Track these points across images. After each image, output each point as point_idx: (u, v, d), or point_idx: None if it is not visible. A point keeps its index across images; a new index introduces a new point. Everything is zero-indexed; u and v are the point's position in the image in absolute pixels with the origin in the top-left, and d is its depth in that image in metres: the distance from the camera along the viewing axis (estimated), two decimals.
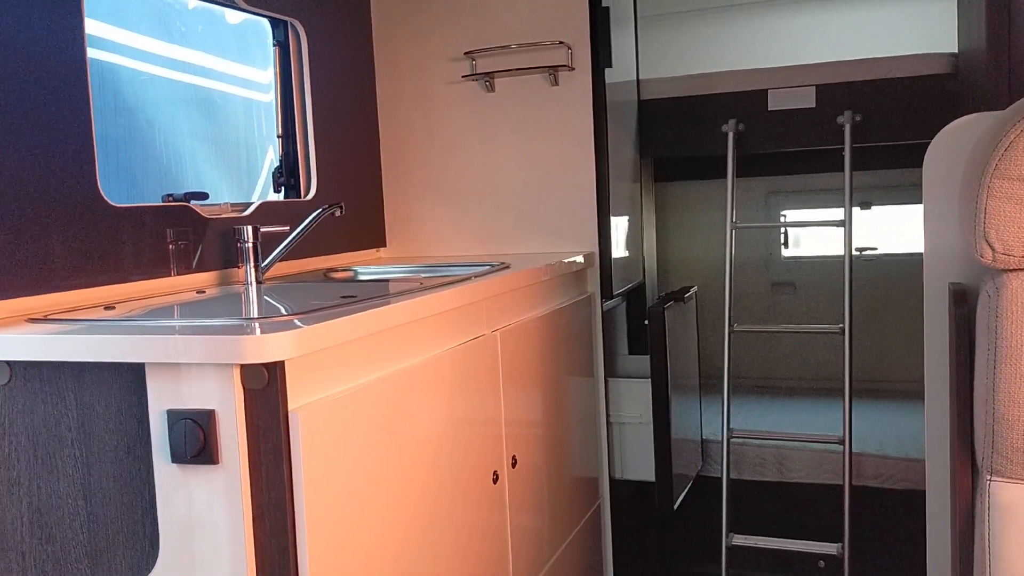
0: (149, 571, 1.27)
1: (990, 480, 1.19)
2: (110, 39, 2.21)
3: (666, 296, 2.65)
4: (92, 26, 2.02)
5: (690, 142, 2.91)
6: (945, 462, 1.54)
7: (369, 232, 2.64)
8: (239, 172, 2.58)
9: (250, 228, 1.98)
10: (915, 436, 2.74)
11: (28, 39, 1.55)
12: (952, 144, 1.49)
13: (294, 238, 2.10)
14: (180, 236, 1.89)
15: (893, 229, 3.33)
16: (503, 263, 2.16)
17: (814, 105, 2.75)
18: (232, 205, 2.13)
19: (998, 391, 1.16)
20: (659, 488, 2.51)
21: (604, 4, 2.48)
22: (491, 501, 1.81)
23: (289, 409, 1.21)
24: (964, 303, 1.30)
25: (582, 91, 2.48)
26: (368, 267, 2.42)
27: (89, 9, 1.70)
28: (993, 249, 1.16)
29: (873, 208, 3.34)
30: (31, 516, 1.34)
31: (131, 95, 2.29)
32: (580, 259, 2.40)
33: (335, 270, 2.36)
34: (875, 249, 3.33)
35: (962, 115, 1.51)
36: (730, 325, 2.71)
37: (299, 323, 1.26)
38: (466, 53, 2.56)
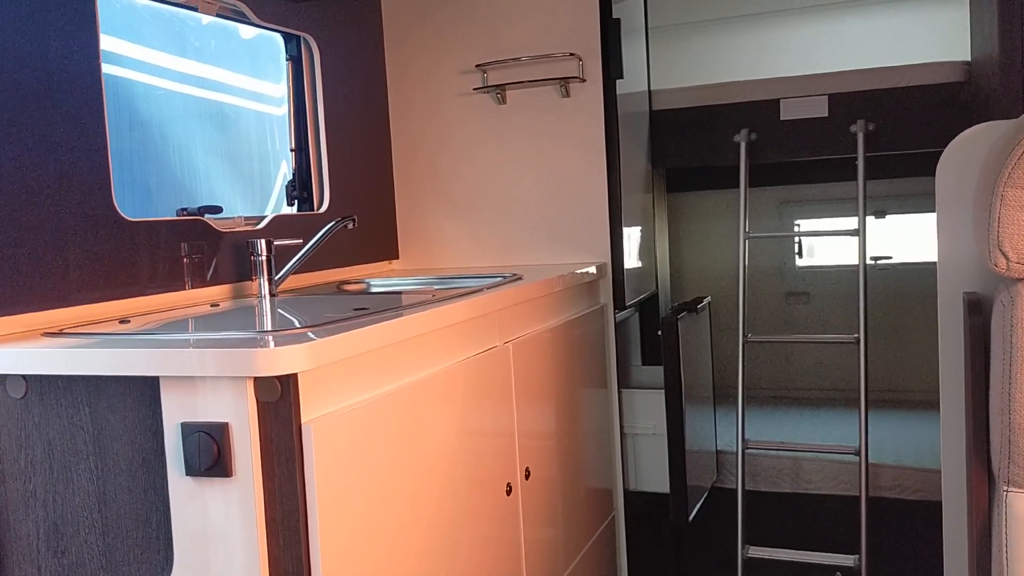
0: None
1: (1007, 491, 1.18)
2: (125, 55, 2.23)
3: (679, 306, 2.64)
4: (107, 42, 2.04)
5: (702, 152, 2.90)
6: (961, 473, 1.52)
7: (381, 244, 2.65)
8: (252, 186, 2.60)
9: (264, 241, 1.99)
10: (932, 446, 2.72)
11: (44, 55, 1.56)
12: (964, 153, 1.49)
13: (307, 251, 2.11)
14: (194, 250, 1.90)
15: (908, 238, 3.32)
16: (515, 274, 2.16)
17: (827, 114, 2.74)
18: (246, 219, 2.14)
19: (1014, 401, 1.15)
20: (674, 500, 2.49)
21: (615, 15, 2.49)
22: (504, 513, 1.81)
23: (302, 422, 1.22)
24: (979, 312, 1.29)
25: (593, 102, 2.49)
26: (380, 279, 2.42)
27: (104, 25, 1.71)
28: (1007, 258, 1.15)
29: (888, 217, 3.33)
30: (47, 529, 1.35)
31: (146, 110, 2.30)
32: (592, 270, 2.40)
33: (348, 282, 2.37)
34: (890, 258, 3.32)
35: (975, 123, 1.51)
36: (744, 335, 2.70)
37: (312, 336, 1.26)
38: (477, 66, 2.57)
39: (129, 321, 1.60)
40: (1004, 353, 1.17)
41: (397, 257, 2.73)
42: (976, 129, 1.48)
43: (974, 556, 1.26)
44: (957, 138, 1.49)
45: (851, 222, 2.71)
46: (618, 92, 2.51)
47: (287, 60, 2.38)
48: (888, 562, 2.61)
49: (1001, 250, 1.15)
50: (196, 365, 1.20)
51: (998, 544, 1.20)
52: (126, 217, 1.73)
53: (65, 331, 1.48)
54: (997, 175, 1.15)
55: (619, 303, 2.53)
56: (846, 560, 2.50)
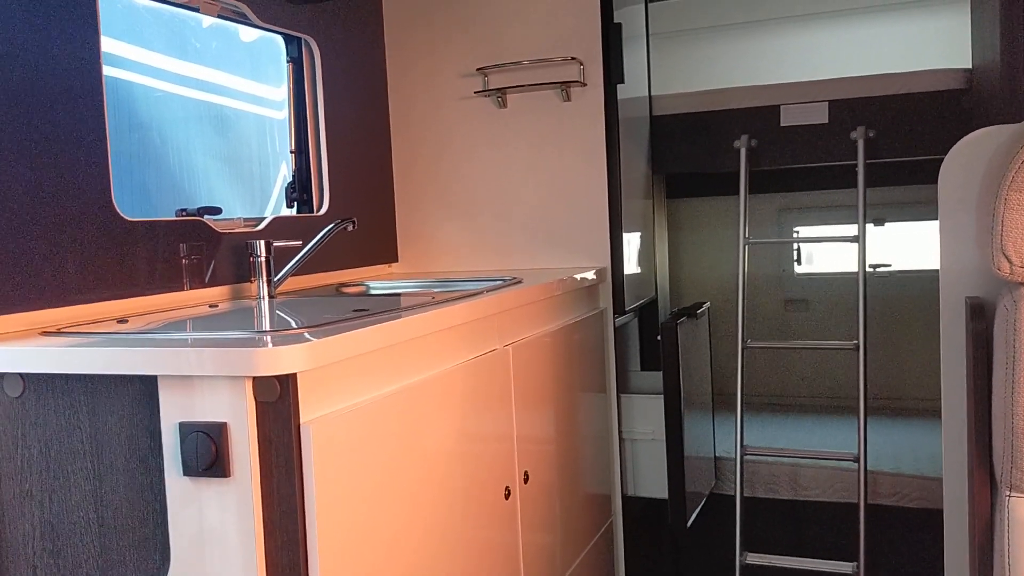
0: None
1: (1009, 496, 1.18)
2: (126, 57, 2.23)
3: (678, 312, 2.64)
4: (108, 44, 2.03)
5: (702, 158, 2.90)
6: (963, 478, 1.52)
7: (381, 247, 2.65)
8: (252, 187, 2.60)
9: (263, 243, 1.98)
10: (931, 454, 2.72)
11: (45, 57, 1.56)
12: (967, 157, 1.48)
13: (306, 253, 2.10)
14: (193, 250, 1.90)
15: (907, 246, 3.32)
16: (515, 278, 2.16)
17: (827, 121, 2.74)
18: (245, 220, 2.14)
19: (1017, 405, 1.14)
20: (672, 506, 2.48)
21: (616, 20, 2.49)
22: (503, 517, 1.80)
23: (301, 422, 1.21)
24: (981, 317, 1.29)
25: (594, 107, 2.49)
26: (380, 282, 2.42)
27: (105, 27, 1.71)
28: (1011, 262, 1.15)
29: (887, 224, 3.33)
30: (43, 528, 1.34)
31: (146, 112, 2.30)
32: (592, 274, 2.39)
33: (347, 285, 2.36)
34: (889, 266, 3.32)
35: (976, 130, 1.51)
36: (743, 341, 2.70)
37: (311, 336, 1.26)
38: (478, 69, 2.57)
39: (127, 321, 1.59)
40: (1007, 357, 1.16)
41: (396, 260, 2.72)
42: (980, 133, 1.48)
43: (976, 562, 1.26)
44: (960, 142, 1.49)
45: (851, 229, 2.71)
46: (619, 97, 2.51)
47: (288, 62, 2.38)
48: (886, 570, 2.61)
49: (1004, 254, 1.15)
50: (194, 364, 1.20)
51: (1000, 550, 1.19)
52: (125, 217, 1.72)
53: (63, 330, 1.48)
54: (1001, 179, 1.14)
55: (619, 308, 2.52)
56: (844, 567, 2.49)
